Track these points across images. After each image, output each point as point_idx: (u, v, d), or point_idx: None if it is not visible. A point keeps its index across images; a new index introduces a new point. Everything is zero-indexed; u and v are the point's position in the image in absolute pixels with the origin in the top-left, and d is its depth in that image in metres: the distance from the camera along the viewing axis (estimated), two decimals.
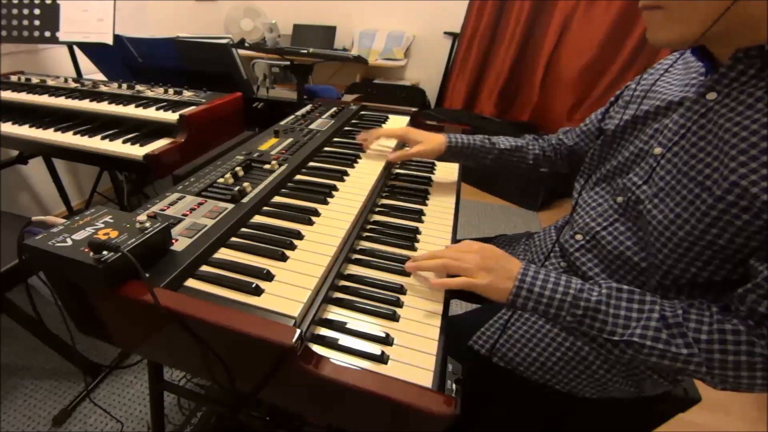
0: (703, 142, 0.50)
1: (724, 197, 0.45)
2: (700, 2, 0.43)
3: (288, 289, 0.50)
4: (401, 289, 0.56)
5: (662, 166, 0.55)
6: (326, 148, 0.92)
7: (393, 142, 0.94)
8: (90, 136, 1.03)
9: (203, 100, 1.10)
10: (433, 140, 0.84)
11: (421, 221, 0.73)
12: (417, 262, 0.58)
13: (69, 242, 0.44)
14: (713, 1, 0.42)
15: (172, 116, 1.02)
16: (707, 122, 0.50)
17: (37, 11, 1.28)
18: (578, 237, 0.66)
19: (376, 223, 0.72)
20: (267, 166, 0.75)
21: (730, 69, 0.48)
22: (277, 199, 0.70)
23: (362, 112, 1.19)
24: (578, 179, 0.74)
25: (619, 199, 0.61)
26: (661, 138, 0.56)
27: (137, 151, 0.96)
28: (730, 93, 0.48)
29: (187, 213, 0.59)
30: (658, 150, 0.56)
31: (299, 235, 0.60)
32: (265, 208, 0.67)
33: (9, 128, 1.08)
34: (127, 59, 1.31)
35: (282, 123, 1.00)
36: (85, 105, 1.10)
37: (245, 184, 0.67)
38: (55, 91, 1.18)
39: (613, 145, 0.66)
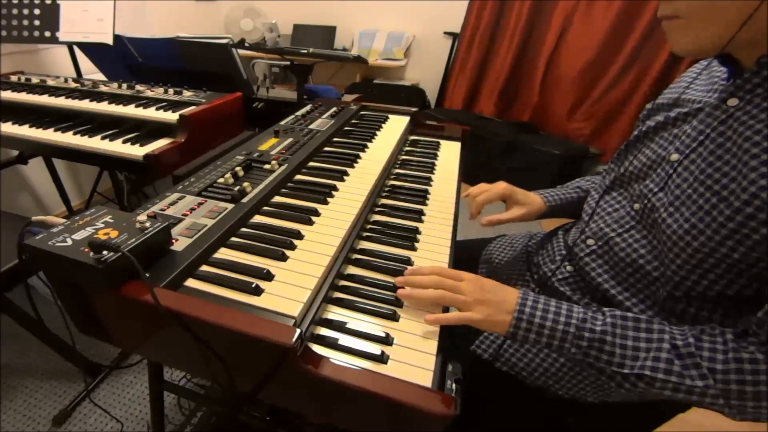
0: (722, 150, 0.48)
1: (742, 209, 0.43)
2: (719, 12, 0.42)
3: (288, 289, 0.50)
4: None
5: (679, 174, 0.53)
6: (326, 148, 0.92)
7: None
8: (90, 136, 1.03)
9: (203, 100, 1.10)
10: (534, 203, 0.79)
11: (421, 221, 0.73)
12: (409, 291, 0.53)
13: (69, 242, 0.44)
14: (732, 10, 0.41)
15: (172, 116, 1.02)
16: (727, 129, 0.48)
17: (37, 11, 1.28)
18: (590, 242, 0.64)
19: (376, 223, 0.72)
20: (267, 166, 0.75)
21: (754, 75, 0.46)
22: (277, 199, 0.70)
23: (362, 112, 1.19)
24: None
25: (636, 206, 0.59)
26: (678, 144, 0.55)
27: (137, 151, 0.96)
28: (753, 99, 0.46)
29: (187, 213, 0.59)
30: (675, 156, 0.54)
31: (299, 235, 0.60)
32: (265, 208, 0.67)
33: (9, 128, 1.08)
34: (127, 59, 1.31)
35: (282, 123, 1.00)
36: (85, 105, 1.10)
37: (245, 184, 0.67)
38: (55, 91, 1.18)
39: (632, 150, 0.64)
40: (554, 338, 0.49)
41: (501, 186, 0.80)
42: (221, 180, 0.68)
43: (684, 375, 0.44)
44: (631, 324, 0.48)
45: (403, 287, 0.54)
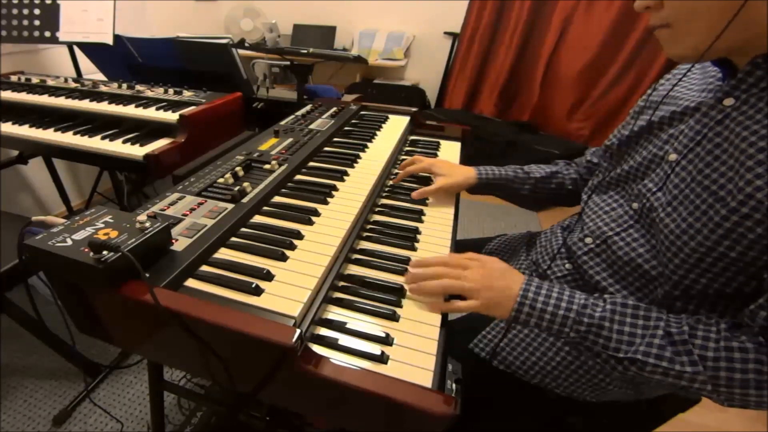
0: (719, 150, 0.48)
1: (738, 209, 0.44)
2: (702, 17, 0.43)
3: (288, 289, 0.50)
4: (401, 289, 0.56)
5: (677, 174, 0.53)
6: (326, 148, 0.92)
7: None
8: (90, 136, 1.03)
9: (203, 100, 1.10)
10: (458, 173, 0.81)
11: (421, 221, 0.73)
12: (418, 284, 0.55)
13: (69, 242, 0.44)
14: (715, 13, 0.42)
15: (172, 116, 1.02)
16: (723, 129, 0.49)
17: (37, 11, 1.28)
18: (588, 240, 0.64)
19: (376, 223, 0.72)
20: (267, 166, 0.75)
21: (748, 75, 0.47)
22: (277, 199, 0.70)
23: (362, 112, 1.19)
24: (588, 183, 0.73)
25: (635, 205, 0.59)
26: (676, 144, 0.55)
27: (137, 151, 0.96)
28: (748, 99, 0.47)
29: (187, 213, 0.59)
30: (673, 156, 0.55)
31: (299, 235, 0.60)
32: (265, 208, 0.67)
33: (9, 128, 1.08)
34: (127, 59, 1.31)
35: (282, 123, 1.00)
36: (85, 105, 1.10)
37: (245, 184, 0.67)
38: (55, 91, 1.18)
39: (627, 149, 0.64)
40: (554, 323, 0.51)
41: (427, 161, 0.84)
42: (221, 180, 0.68)
43: (675, 361, 0.45)
44: (630, 311, 0.49)
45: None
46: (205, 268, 0.52)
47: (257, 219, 0.64)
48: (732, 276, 0.47)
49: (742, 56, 0.47)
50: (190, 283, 0.49)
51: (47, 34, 1.29)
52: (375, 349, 0.46)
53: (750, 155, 0.44)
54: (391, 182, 0.87)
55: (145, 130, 1.05)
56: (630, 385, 0.61)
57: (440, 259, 0.59)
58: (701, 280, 0.49)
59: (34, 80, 1.26)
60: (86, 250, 0.42)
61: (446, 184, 0.79)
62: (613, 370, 0.49)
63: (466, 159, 1.01)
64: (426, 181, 0.87)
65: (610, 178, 0.66)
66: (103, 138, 1.02)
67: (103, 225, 0.47)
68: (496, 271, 0.55)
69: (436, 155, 1.02)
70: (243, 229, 0.61)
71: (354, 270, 0.60)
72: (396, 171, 0.93)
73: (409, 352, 0.47)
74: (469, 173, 0.81)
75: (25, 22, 1.28)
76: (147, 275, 0.43)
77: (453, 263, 0.57)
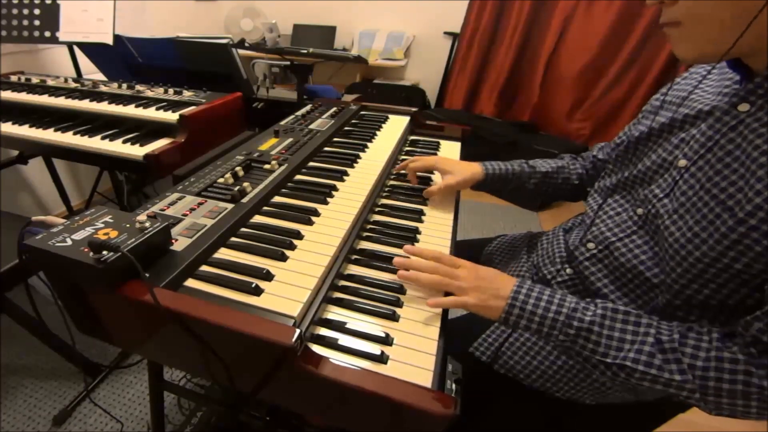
0: (730, 157, 0.47)
1: (746, 220, 0.43)
2: (715, 18, 0.42)
3: (288, 289, 0.50)
4: (401, 289, 0.56)
5: (685, 180, 0.51)
6: (326, 148, 0.92)
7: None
8: (90, 136, 1.03)
9: (203, 100, 1.10)
10: (464, 170, 0.80)
11: (421, 221, 0.73)
12: (408, 273, 0.56)
13: (69, 242, 0.44)
14: (726, 15, 0.41)
15: (172, 116, 1.02)
16: (736, 136, 0.47)
17: (37, 11, 1.28)
18: (590, 246, 0.63)
19: (376, 223, 0.72)
20: (267, 166, 0.75)
21: (766, 79, 0.45)
22: (277, 199, 0.70)
23: (362, 112, 1.19)
24: (595, 185, 0.72)
25: (640, 210, 0.58)
26: (686, 149, 0.54)
27: (137, 151, 0.96)
28: (765, 105, 0.45)
29: (187, 213, 0.59)
30: (682, 162, 0.53)
31: (299, 235, 0.60)
32: (265, 208, 0.67)
33: (9, 128, 1.08)
34: (127, 59, 1.31)
35: (282, 123, 1.00)
36: (85, 105, 1.10)
37: (245, 184, 0.67)
38: (55, 91, 1.18)
39: (636, 152, 0.63)
40: (544, 325, 0.50)
41: (432, 158, 0.84)
42: (221, 180, 0.68)
43: (663, 368, 0.45)
44: (620, 317, 0.49)
45: (404, 269, 0.57)
46: (205, 268, 0.52)
47: (257, 219, 0.64)
48: (735, 288, 0.46)
49: (753, 58, 0.46)
50: (190, 283, 0.49)
51: (47, 34, 1.29)
52: (375, 349, 0.46)
53: (761, 164, 0.43)
54: (391, 182, 0.87)
55: (145, 130, 1.05)
56: (629, 388, 0.61)
57: (436, 252, 0.59)
58: (704, 291, 0.48)
59: (34, 80, 1.26)
60: (86, 250, 0.42)
61: (453, 182, 0.78)
62: (602, 375, 0.49)
63: (465, 159, 1.01)
64: (425, 179, 0.88)
65: (616, 181, 0.65)
66: (103, 138, 1.02)
67: (103, 225, 0.47)
68: (485, 273, 0.56)
69: (435, 155, 1.02)
70: (243, 229, 0.61)
71: (354, 270, 0.60)
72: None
73: (409, 352, 0.47)
74: (476, 169, 0.80)
75: (25, 22, 1.28)
76: (147, 275, 0.43)
77: (447, 260, 0.58)
